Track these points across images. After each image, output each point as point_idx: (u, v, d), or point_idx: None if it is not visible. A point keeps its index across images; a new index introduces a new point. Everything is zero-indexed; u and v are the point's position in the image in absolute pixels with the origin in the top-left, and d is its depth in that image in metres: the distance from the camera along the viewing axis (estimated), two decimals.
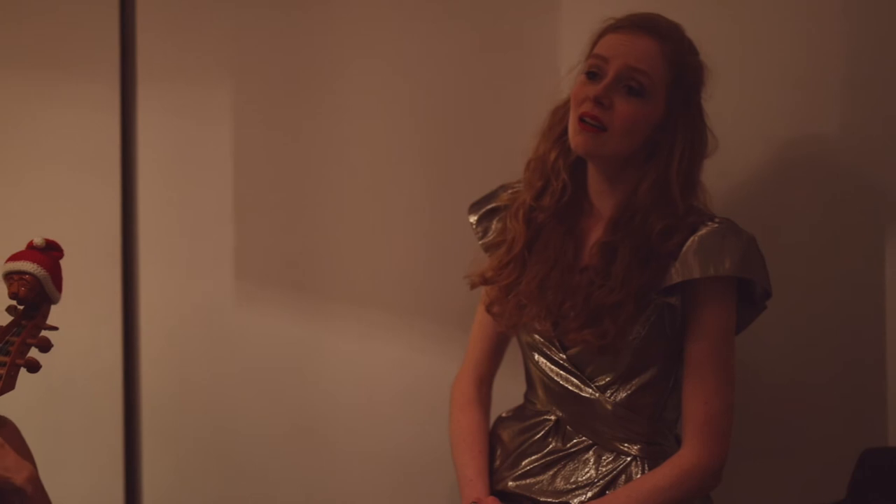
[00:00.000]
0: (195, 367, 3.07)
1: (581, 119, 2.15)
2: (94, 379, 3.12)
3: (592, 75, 2.18)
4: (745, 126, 2.52)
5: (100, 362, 3.11)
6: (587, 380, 2.24)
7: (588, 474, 2.24)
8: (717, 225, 2.15)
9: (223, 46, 2.99)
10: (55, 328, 2.19)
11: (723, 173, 2.39)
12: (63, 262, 2.27)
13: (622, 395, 2.22)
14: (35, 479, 2.07)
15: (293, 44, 2.94)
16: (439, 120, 2.83)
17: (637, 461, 2.22)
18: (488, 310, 2.35)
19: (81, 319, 2.25)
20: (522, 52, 2.76)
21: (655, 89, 2.16)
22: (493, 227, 2.38)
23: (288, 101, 2.95)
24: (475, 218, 2.41)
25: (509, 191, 2.38)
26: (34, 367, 2.11)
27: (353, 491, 2.95)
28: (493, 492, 2.31)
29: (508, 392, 2.50)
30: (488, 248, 2.38)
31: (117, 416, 3.12)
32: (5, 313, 2.22)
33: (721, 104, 2.30)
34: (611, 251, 2.18)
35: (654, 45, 2.17)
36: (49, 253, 2.18)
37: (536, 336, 2.29)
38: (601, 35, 2.22)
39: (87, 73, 3.06)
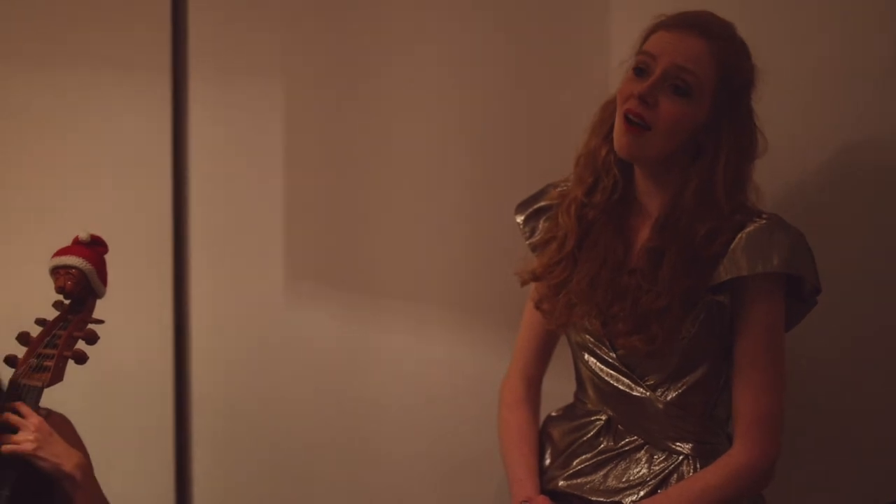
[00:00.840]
0: (245, 365, 3.08)
1: (625, 116, 2.13)
2: (145, 378, 3.14)
3: (640, 72, 2.16)
4: (796, 127, 2.47)
5: (151, 361, 3.13)
6: (638, 379, 2.22)
7: (640, 473, 2.21)
8: (764, 221, 2.12)
9: (274, 44, 3.00)
10: (101, 321, 2.22)
11: (774, 174, 2.35)
12: (114, 260, 2.29)
13: (673, 394, 2.19)
14: (85, 466, 2.11)
15: (343, 42, 2.94)
16: (489, 117, 2.81)
17: (689, 460, 2.19)
18: (538, 307, 2.33)
19: (132, 318, 2.27)
20: (572, 48, 2.74)
21: (702, 89, 2.13)
22: (541, 226, 2.36)
23: (338, 99, 2.95)
24: (522, 218, 2.40)
25: (557, 189, 2.36)
26: (81, 358, 2.15)
27: (401, 489, 2.94)
28: (544, 491, 2.29)
29: (558, 391, 2.48)
30: (536, 248, 2.36)
31: (167, 414, 3.14)
32: (52, 308, 2.25)
33: (772, 105, 2.26)
34: (657, 255, 2.16)
35: (703, 44, 2.14)
36: (94, 248, 2.22)
37: (586, 335, 2.27)
38: (651, 31, 2.20)
39: (139, 71, 3.08)
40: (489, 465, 2.74)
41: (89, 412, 2.43)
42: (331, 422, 2.99)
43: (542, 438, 2.39)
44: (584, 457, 2.29)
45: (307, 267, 3.00)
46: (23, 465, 2.05)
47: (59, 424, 2.21)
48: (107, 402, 3.12)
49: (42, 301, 2.29)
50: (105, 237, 2.29)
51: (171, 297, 3.10)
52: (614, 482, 2.23)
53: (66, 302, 2.23)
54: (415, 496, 2.92)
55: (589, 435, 2.30)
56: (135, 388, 3.15)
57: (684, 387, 2.19)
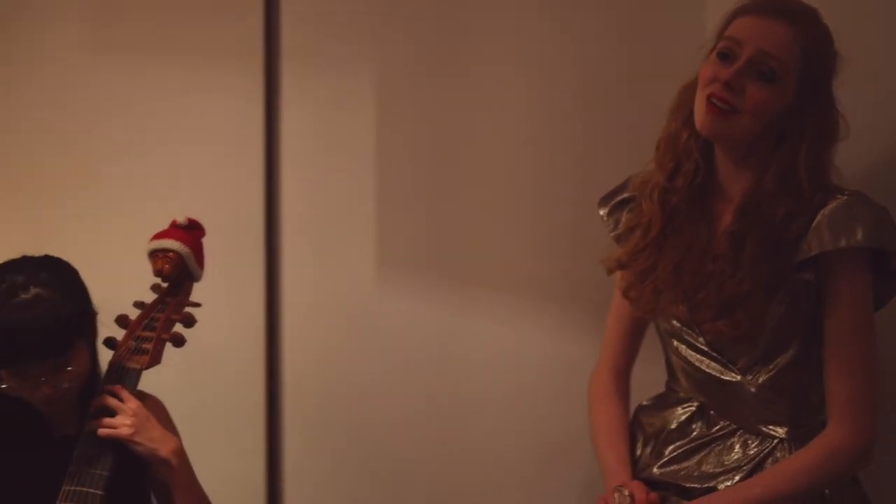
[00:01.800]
0: (336, 352, 3.09)
1: (709, 100, 2.11)
2: (237, 364, 3.17)
3: (724, 56, 2.13)
4: (877, 113, 2.44)
5: (243, 347, 3.16)
6: (728, 364, 2.21)
7: (735, 458, 2.20)
8: (846, 197, 2.10)
9: (366, 34, 3.01)
10: (198, 304, 2.25)
11: (854, 158, 2.32)
12: (208, 248, 2.32)
13: (764, 377, 2.17)
14: (180, 452, 2.13)
15: (435, 32, 2.95)
16: (579, 107, 2.81)
17: (784, 444, 2.17)
18: (625, 294, 2.33)
19: (225, 305, 2.30)
20: (666, 39, 2.73)
21: (787, 75, 2.11)
22: (624, 217, 2.35)
23: (429, 88, 2.95)
24: (605, 210, 2.39)
25: (638, 179, 2.35)
26: (179, 341, 2.18)
27: (490, 476, 2.94)
28: (638, 479, 2.28)
29: (649, 380, 2.47)
30: (620, 239, 2.35)
31: (259, 400, 3.16)
32: (150, 291, 2.28)
33: (852, 91, 2.23)
34: (739, 240, 2.14)
35: (788, 30, 2.11)
36: (191, 231, 2.24)
37: (674, 322, 2.26)
38: (735, 16, 2.17)
39: (231, 62, 3.10)
40: (579, 452, 2.74)
41: (181, 396, 2.45)
42: (421, 409, 3.00)
43: (634, 428, 2.38)
44: (676, 444, 2.28)
45: (398, 255, 3.01)
46: (120, 447, 2.07)
47: (155, 408, 2.23)
48: (198, 387, 3.14)
49: (139, 284, 2.33)
50: None
51: (263, 284, 3.12)
52: (709, 468, 2.21)
53: (164, 285, 2.25)
54: (504, 484, 2.92)
55: (681, 422, 2.29)
56: (227, 373, 3.18)
57: (775, 369, 2.17)
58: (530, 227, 2.87)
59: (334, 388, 3.10)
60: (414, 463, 3.03)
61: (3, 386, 2.07)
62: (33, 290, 2.02)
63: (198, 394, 3.15)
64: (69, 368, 2.06)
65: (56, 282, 2.07)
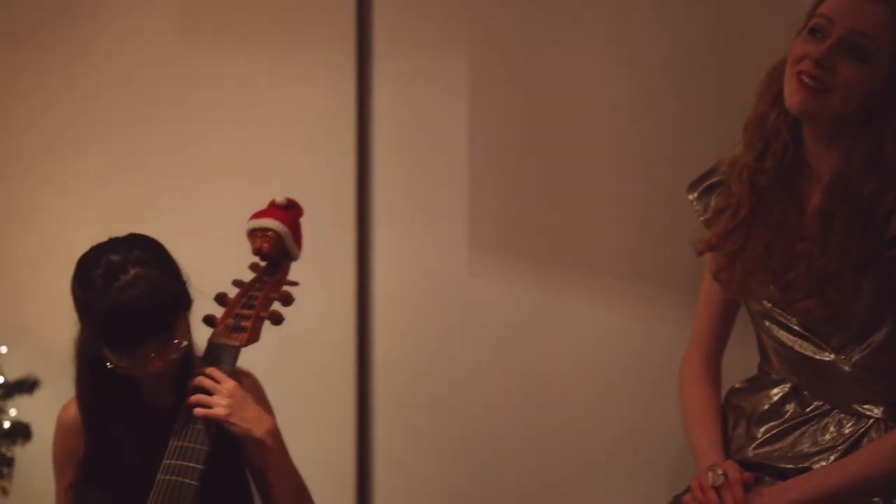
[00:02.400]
0: (427, 334, 3.11)
1: (799, 77, 2.10)
2: (328, 345, 3.20)
3: (815, 33, 2.11)
4: None
5: (334, 327, 3.19)
6: (821, 343, 2.19)
7: (830, 437, 2.18)
8: None
9: (459, 14, 3.01)
10: (296, 283, 2.26)
11: None
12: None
13: (858, 356, 2.15)
14: (275, 432, 2.14)
15: (527, 13, 2.94)
16: (672, 88, 2.79)
17: (880, 423, 2.15)
18: (716, 277, 2.31)
19: (316, 285, 2.32)
20: (758, 21, 2.70)
21: (878, 55, 2.08)
22: (713, 201, 2.34)
23: (522, 67, 2.96)
24: (694, 195, 2.37)
25: (726, 162, 2.34)
26: (278, 319, 2.19)
27: (579, 457, 2.94)
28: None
29: (740, 363, 2.45)
30: (710, 223, 2.33)
31: (349, 382, 3.19)
32: (249, 270, 2.30)
33: None
34: (828, 219, 2.12)
35: (882, 10, 2.08)
36: (290, 211, 2.26)
37: (765, 302, 2.24)
38: None
39: (324, 42, 3.13)
40: (670, 437, 2.74)
41: (272, 376, 2.47)
42: (511, 390, 3.01)
43: (726, 410, 2.37)
44: (770, 425, 2.26)
45: (490, 238, 3.01)
46: (217, 426, 2.10)
47: (251, 387, 2.26)
48: (289, 368, 3.18)
49: (236, 263, 2.36)
50: None
51: (354, 265, 3.14)
52: (803, 448, 2.20)
53: (263, 264, 2.27)
54: (595, 466, 2.93)
55: (774, 403, 2.28)
56: (318, 354, 3.21)
57: (869, 348, 2.15)
58: (623, 211, 2.86)
59: (424, 370, 3.12)
60: (504, 445, 3.04)
61: (111, 365, 2.10)
62: (132, 271, 2.03)
63: (289, 374, 3.18)
64: (176, 340, 2.09)
65: (150, 258, 2.08)
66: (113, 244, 2.10)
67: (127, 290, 2.01)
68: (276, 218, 2.23)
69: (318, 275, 2.43)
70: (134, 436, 2.19)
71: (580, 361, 2.92)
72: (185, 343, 2.11)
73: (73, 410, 2.25)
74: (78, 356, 2.19)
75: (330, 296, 3.14)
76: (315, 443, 2.99)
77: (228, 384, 2.10)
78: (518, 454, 3.02)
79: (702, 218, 2.35)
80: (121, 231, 2.18)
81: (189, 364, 2.21)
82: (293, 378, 3.21)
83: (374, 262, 3.14)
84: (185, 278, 2.16)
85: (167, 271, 2.10)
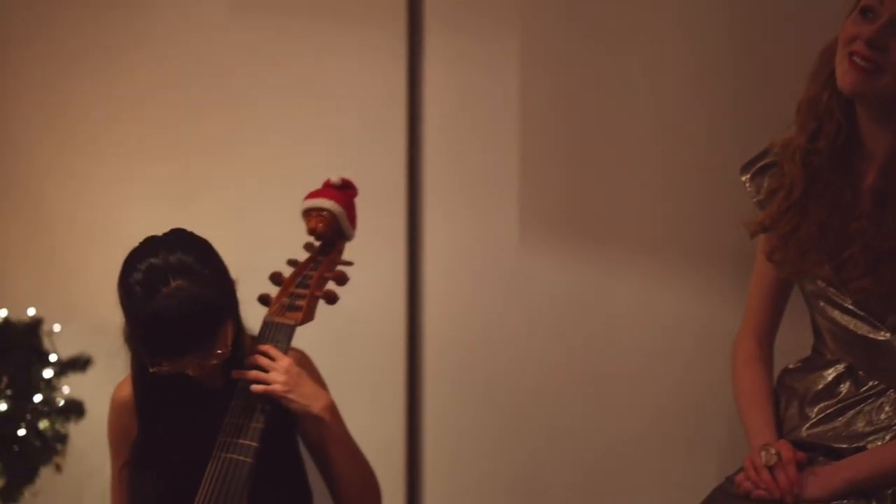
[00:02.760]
0: (479, 311, 3.11)
1: (851, 58, 2.09)
2: (379, 322, 3.20)
3: (866, 13, 2.10)
4: None
5: (384, 307, 3.19)
6: (877, 323, 2.18)
7: (885, 417, 2.17)
8: None
9: None
10: (350, 263, 2.27)
11: None
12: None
13: None
14: (332, 408, 2.15)
15: None
16: (730, 68, 2.78)
17: None
18: (769, 258, 2.31)
19: (367, 264, 2.32)
20: (813, 8, 2.69)
21: None
22: (766, 183, 2.33)
23: (573, 47, 2.94)
24: (747, 176, 2.37)
25: (778, 143, 2.33)
26: (332, 298, 2.20)
27: (633, 437, 2.94)
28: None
29: (792, 345, 2.45)
30: (763, 204, 2.33)
31: (400, 359, 3.20)
32: (303, 250, 2.31)
33: None
34: (882, 198, 2.12)
35: None
36: (344, 191, 2.26)
37: (820, 282, 2.23)
38: None
39: (375, 22, 3.12)
40: (722, 417, 2.74)
41: (324, 353, 2.49)
42: (563, 368, 3.00)
43: (778, 391, 2.37)
44: (824, 404, 2.25)
45: (541, 214, 3.01)
46: (273, 403, 2.11)
47: (305, 364, 2.27)
48: (341, 345, 3.17)
49: (291, 243, 2.37)
50: None
51: (405, 243, 3.15)
52: (858, 428, 2.19)
53: (317, 243, 2.27)
54: (647, 444, 2.92)
55: (828, 382, 2.26)
56: (369, 331, 3.21)
57: None
58: (676, 189, 2.85)
59: (475, 348, 3.12)
60: (555, 424, 3.03)
61: (157, 370, 2.10)
62: (173, 283, 2.01)
63: (340, 351, 3.18)
64: (218, 350, 2.09)
65: (193, 263, 2.06)
66: (157, 245, 2.08)
67: (166, 304, 2.00)
68: (331, 198, 2.23)
69: (369, 253, 2.44)
70: (186, 417, 2.21)
71: (632, 339, 2.92)
72: (227, 350, 2.10)
73: (127, 390, 2.26)
74: (128, 345, 2.20)
75: (381, 274, 3.13)
76: (366, 420, 2.98)
77: (285, 361, 2.11)
78: (569, 433, 3.02)
79: (755, 199, 2.34)
80: (173, 211, 2.19)
81: (240, 349, 2.21)
82: (344, 356, 3.22)
83: (425, 240, 3.15)
84: (230, 280, 2.15)
85: (210, 280, 2.06)
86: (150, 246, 2.08)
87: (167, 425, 2.21)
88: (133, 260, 2.07)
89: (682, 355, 2.87)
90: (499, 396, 3.10)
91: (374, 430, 3.15)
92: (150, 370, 2.10)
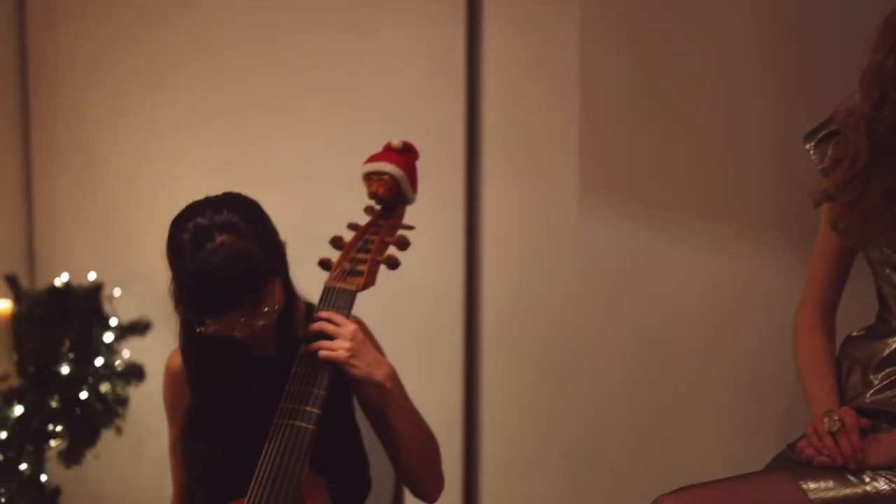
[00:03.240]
0: (537, 278, 3.11)
1: None
2: (436, 288, 3.21)
3: None
4: None
5: (442, 272, 3.20)
6: None
7: None
8: None
9: None
10: (412, 227, 2.25)
11: None
12: None
13: None
14: (394, 375, 2.14)
15: None
16: (794, 36, 2.75)
17: None
18: (833, 227, 2.29)
19: (425, 229, 2.31)
20: None
21: None
22: (830, 151, 2.31)
23: (635, 10, 2.92)
24: (811, 145, 2.35)
25: (842, 111, 2.30)
26: (394, 263, 2.18)
27: (692, 404, 2.93)
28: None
29: (854, 314, 2.43)
30: (827, 172, 2.31)
31: (458, 324, 3.20)
32: (364, 213, 2.30)
33: None
34: None
35: None
36: (405, 154, 2.24)
37: (886, 249, 2.22)
38: None
39: None
40: (782, 385, 2.72)
41: (381, 318, 2.49)
42: (620, 334, 3.00)
43: (841, 359, 2.36)
44: (888, 370, 2.24)
45: (601, 179, 2.99)
46: (335, 370, 2.10)
47: (361, 330, 2.26)
48: (398, 310, 3.19)
49: (351, 206, 2.36)
50: None
51: (464, 208, 3.15)
52: None
53: (378, 207, 2.26)
54: (706, 413, 2.91)
55: (893, 349, 2.25)
56: (426, 297, 3.23)
57: None
58: (736, 156, 2.83)
59: (532, 314, 3.12)
60: (612, 390, 3.03)
61: (203, 329, 2.10)
62: (219, 238, 2.00)
63: (397, 316, 3.20)
64: (265, 308, 2.07)
65: (241, 222, 2.04)
66: (204, 206, 2.07)
67: (211, 259, 1.99)
68: (392, 161, 2.21)
69: (428, 218, 2.43)
70: (237, 385, 2.20)
71: (691, 307, 2.90)
72: (275, 309, 2.09)
73: (179, 359, 2.26)
74: (176, 310, 2.20)
75: (439, 239, 3.14)
76: (423, 385, 3.00)
77: (349, 327, 2.09)
78: (626, 399, 3.01)
79: (819, 167, 2.32)
80: (231, 175, 2.19)
81: (290, 313, 2.21)
82: (402, 319, 3.23)
83: (483, 205, 3.14)
84: (278, 240, 2.13)
85: (256, 237, 2.05)
86: (197, 206, 2.08)
87: (219, 393, 2.20)
88: (180, 220, 2.07)
89: (741, 323, 2.85)
90: (556, 362, 3.10)
91: (431, 396, 3.16)
92: (197, 330, 2.09)
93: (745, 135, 2.81)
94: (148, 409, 3.43)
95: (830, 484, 2.16)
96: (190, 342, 2.21)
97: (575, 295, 3.05)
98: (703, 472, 2.75)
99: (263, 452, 2.04)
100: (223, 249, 1.99)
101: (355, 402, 2.27)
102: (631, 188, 2.95)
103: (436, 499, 2.28)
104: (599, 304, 3.02)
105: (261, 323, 2.08)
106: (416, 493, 2.29)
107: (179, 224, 2.06)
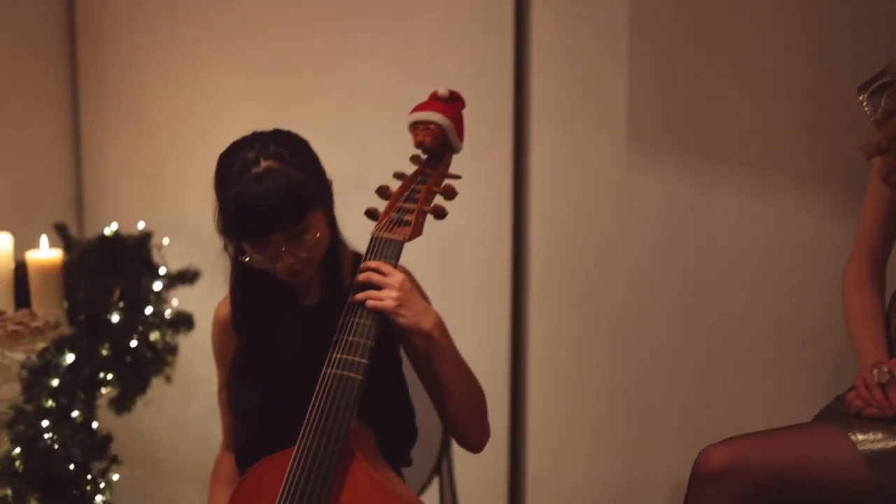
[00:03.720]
0: (585, 226, 3.10)
1: None
2: (484, 237, 3.21)
3: None
4: None
5: (489, 221, 3.19)
6: None
7: None
8: None
9: None
10: (458, 177, 2.24)
11: None
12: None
13: None
14: (441, 324, 2.15)
15: None
16: None
17: None
18: (885, 179, 2.27)
19: (472, 177, 2.30)
20: None
21: None
22: (883, 102, 2.28)
23: None
24: (864, 96, 2.33)
25: None
26: (441, 213, 2.17)
27: (739, 355, 2.92)
28: None
29: None
30: (880, 124, 2.29)
31: (505, 275, 3.20)
32: (410, 163, 2.30)
33: None
34: None
35: None
36: (452, 103, 2.22)
37: None
38: None
39: None
40: (829, 336, 2.70)
41: (429, 268, 2.49)
42: (669, 286, 2.99)
43: (891, 313, 2.34)
44: None
45: (650, 130, 2.97)
46: (384, 319, 2.10)
47: (413, 282, 2.26)
48: (446, 260, 3.20)
49: (396, 156, 2.36)
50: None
51: (512, 158, 3.14)
52: None
53: (424, 157, 2.25)
54: (753, 364, 2.91)
55: None
56: (474, 246, 3.22)
57: None
58: (787, 106, 2.80)
59: (580, 265, 3.11)
60: (659, 341, 3.03)
61: (247, 259, 2.11)
62: (264, 164, 2.04)
63: (445, 267, 3.20)
64: (307, 237, 2.08)
65: (286, 152, 2.08)
66: (253, 139, 2.11)
67: (255, 180, 2.03)
68: (439, 110, 2.19)
69: (475, 167, 2.42)
70: (283, 331, 2.22)
71: (738, 258, 2.89)
72: (318, 239, 2.10)
73: (227, 308, 2.29)
74: (227, 253, 2.22)
75: (486, 189, 3.13)
76: (470, 335, 3.01)
77: (398, 277, 2.09)
78: (674, 351, 3.01)
79: (872, 119, 2.31)
80: (276, 124, 2.19)
81: (336, 260, 2.22)
82: (448, 271, 3.24)
83: (532, 155, 3.13)
84: (324, 175, 2.16)
85: (301, 166, 2.08)
86: (246, 139, 2.12)
87: (265, 338, 2.22)
88: (229, 150, 2.11)
89: (790, 274, 2.84)
90: (603, 311, 3.10)
91: (479, 345, 3.17)
92: (241, 260, 2.11)
93: (797, 85, 2.78)
94: (196, 357, 3.46)
95: (879, 436, 2.16)
96: (239, 283, 2.24)
97: (623, 245, 3.04)
98: (750, 424, 2.75)
99: (312, 402, 2.05)
100: (267, 173, 2.03)
101: (402, 353, 2.27)
102: (679, 137, 2.93)
103: (481, 449, 2.29)
104: (647, 253, 3.01)
105: (304, 255, 2.10)
106: (462, 443, 2.30)
107: (227, 154, 2.10)
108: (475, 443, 2.28)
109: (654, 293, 3.01)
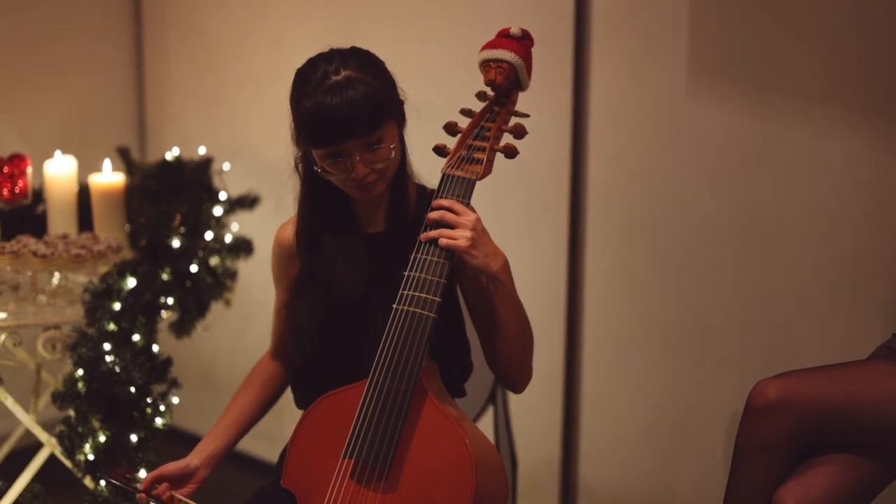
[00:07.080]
0: (643, 158, 3.09)
1: None
2: (542, 166, 3.21)
3: None
4: None
5: (547, 152, 3.19)
6: None
7: None
8: None
9: None
10: (527, 115, 2.23)
11: None
12: None
13: None
14: (508, 267, 2.15)
15: None
16: None
17: None
18: None
19: (532, 112, 2.29)
20: None
21: None
22: None
23: None
24: None
25: None
26: (512, 153, 2.16)
27: (796, 287, 2.92)
28: None
29: None
30: None
31: (563, 203, 3.20)
32: (476, 100, 2.28)
33: None
34: None
35: None
36: (523, 42, 2.21)
37: None
38: None
39: None
40: (886, 271, 2.69)
41: (488, 204, 2.49)
42: (728, 219, 2.98)
43: None
44: None
45: (712, 61, 2.95)
46: (454, 257, 2.10)
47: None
48: (502, 195, 3.20)
49: (459, 91, 2.36)
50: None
51: (571, 89, 3.12)
52: None
53: (492, 94, 2.24)
54: (812, 303, 2.90)
55: None
56: (530, 179, 3.23)
57: None
58: (852, 37, 2.76)
59: (638, 197, 3.11)
60: (717, 275, 3.03)
61: (318, 169, 2.13)
62: (344, 73, 2.07)
63: (503, 203, 3.21)
64: (381, 147, 2.10)
65: (364, 66, 2.10)
66: (332, 53, 2.13)
67: (335, 88, 2.06)
68: (511, 49, 2.17)
69: (535, 102, 2.41)
70: (346, 258, 2.23)
71: (802, 193, 2.87)
72: (392, 151, 2.12)
73: (290, 231, 2.30)
74: (298, 173, 2.23)
75: (546, 120, 3.12)
76: (527, 267, 3.03)
77: (471, 216, 2.09)
78: (732, 285, 3.01)
79: None
80: None
81: (403, 188, 2.23)
82: (507, 208, 3.24)
83: (591, 86, 3.12)
84: (398, 91, 2.17)
85: (377, 77, 2.11)
86: (324, 53, 2.14)
87: (327, 262, 2.24)
88: (307, 63, 2.14)
89: (850, 209, 2.81)
90: (660, 246, 3.10)
91: (535, 277, 3.19)
92: (314, 169, 2.13)
93: (862, 15, 2.74)
94: (255, 282, 3.50)
95: None
96: (307, 201, 2.24)
97: (682, 177, 3.03)
98: (805, 359, 2.76)
99: (383, 339, 2.07)
100: (347, 81, 2.06)
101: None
102: (741, 69, 2.90)
103: (522, 389, 2.31)
104: (707, 187, 3.00)
105: (379, 166, 2.11)
106: (505, 384, 2.32)
107: (307, 66, 2.13)
108: (518, 383, 2.29)
109: (712, 226, 3.01)
